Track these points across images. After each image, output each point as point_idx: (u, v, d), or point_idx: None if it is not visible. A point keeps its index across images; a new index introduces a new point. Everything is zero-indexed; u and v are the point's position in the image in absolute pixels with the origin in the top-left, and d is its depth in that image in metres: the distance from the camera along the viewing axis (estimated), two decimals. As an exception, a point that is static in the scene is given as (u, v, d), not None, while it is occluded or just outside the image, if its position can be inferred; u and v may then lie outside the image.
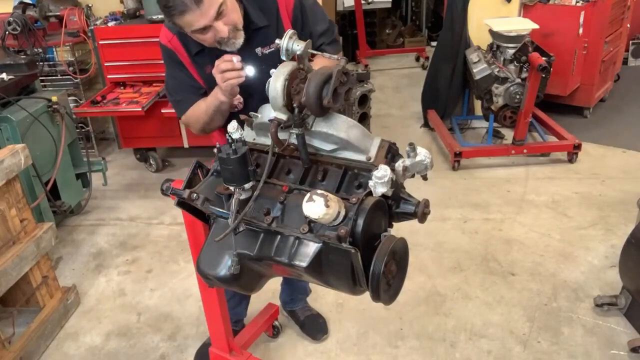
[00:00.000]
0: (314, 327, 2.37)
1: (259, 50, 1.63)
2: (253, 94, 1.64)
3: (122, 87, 3.68)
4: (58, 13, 3.67)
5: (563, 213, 3.19)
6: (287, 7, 1.65)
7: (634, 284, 2.25)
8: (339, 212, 1.18)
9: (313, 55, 1.42)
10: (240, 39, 1.56)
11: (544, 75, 3.43)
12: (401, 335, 2.28)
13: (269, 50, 1.63)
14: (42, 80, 3.67)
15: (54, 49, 3.84)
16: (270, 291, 2.58)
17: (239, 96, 1.65)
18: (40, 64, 3.51)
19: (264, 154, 1.42)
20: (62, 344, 2.41)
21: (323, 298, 2.56)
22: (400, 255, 1.28)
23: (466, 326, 2.37)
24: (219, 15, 1.47)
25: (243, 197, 1.29)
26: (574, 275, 2.65)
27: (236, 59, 1.50)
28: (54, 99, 2.90)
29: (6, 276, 2.13)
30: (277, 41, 1.36)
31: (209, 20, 1.46)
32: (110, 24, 3.60)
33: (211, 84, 1.61)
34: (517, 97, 3.63)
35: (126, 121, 3.79)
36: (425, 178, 1.44)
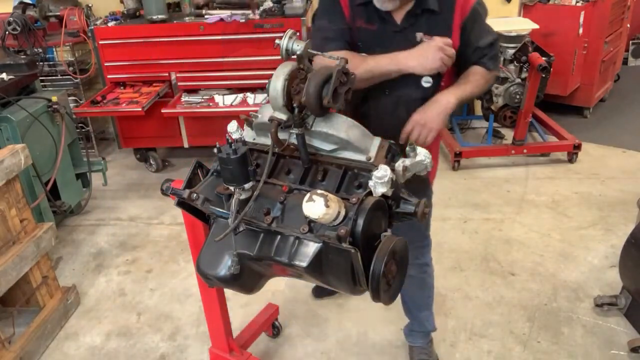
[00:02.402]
0: None
1: (419, 35, 1.55)
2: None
3: (122, 87, 3.68)
4: (58, 13, 3.67)
5: (563, 213, 3.19)
6: (465, 6, 1.58)
7: (634, 284, 2.25)
8: (339, 212, 1.18)
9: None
10: (392, 3, 1.52)
11: (544, 75, 3.43)
12: (401, 335, 2.28)
13: (429, 41, 1.54)
14: (42, 80, 3.66)
15: (54, 49, 3.84)
16: (270, 291, 2.58)
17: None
18: (40, 64, 3.51)
19: (264, 154, 1.42)
20: (62, 344, 2.41)
21: (323, 298, 2.56)
22: (400, 255, 1.28)
23: (466, 326, 2.37)
24: None
25: (243, 197, 1.29)
26: (574, 275, 2.65)
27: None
28: (54, 99, 2.90)
29: (6, 276, 2.13)
30: (277, 41, 1.36)
31: None
32: (110, 24, 3.59)
33: (357, 38, 1.58)
34: (517, 97, 3.62)
35: (126, 121, 3.79)
36: (425, 178, 1.44)
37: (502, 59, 3.71)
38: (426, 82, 1.60)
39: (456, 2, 1.57)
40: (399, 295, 2.09)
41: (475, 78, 1.64)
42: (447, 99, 1.56)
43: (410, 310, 2.15)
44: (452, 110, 1.56)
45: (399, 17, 1.57)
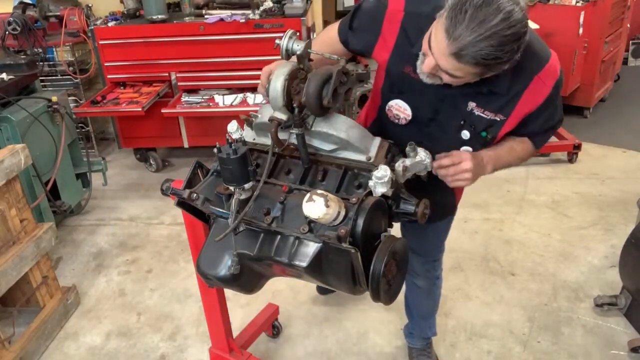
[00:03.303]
0: None
1: (471, 105, 1.39)
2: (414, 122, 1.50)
3: (122, 87, 3.68)
4: (58, 13, 3.66)
5: (563, 213, 3.19)
6: (537, 94, 1.35)
7: (634, 284, 2.25)
8: (339, 212, 1.18)
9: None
10: (431, 79, 1.32)
11: (544, 75, 3.42)
12: (401, 335, 2.28)
13: (481, 115, 1.38)
14: (42, 80, 3.66)
15: (54, 49, 3.84)
16: (270, 291, 2.58)
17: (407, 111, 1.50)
18: (40, 64, 3.51)
19: (264, 154, 1.42)
20: (62, 344, 2.41)
21: (323, 298, 2.56)
22: (400, 255, 1.28)
23: (466, 326, 2.37)
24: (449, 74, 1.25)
25: (243, 197, 1.29)
26: (574, 275, 2.65)
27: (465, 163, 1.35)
28: (54, 99, 2.90)
29: (6, 276, 2.13)
30: (277, 41, 1.36)
31: (440, 62, 1.22)
32: (110, 24, 3.59)
33: (396, 83, 1.45)
34: (517, 97, 3.62)
35: (126, 121, 3.79)
36: (425, 178, 1.44)
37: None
38: (465, 135, 1.45)
39: (527, 87, 1.34)
40: (402, 298, 2.11)
41: (518, 150, 1.48)
42: (488, 167, 1.41)
43: (413, 317, 2.14)
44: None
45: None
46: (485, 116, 1.39)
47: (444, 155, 1.37)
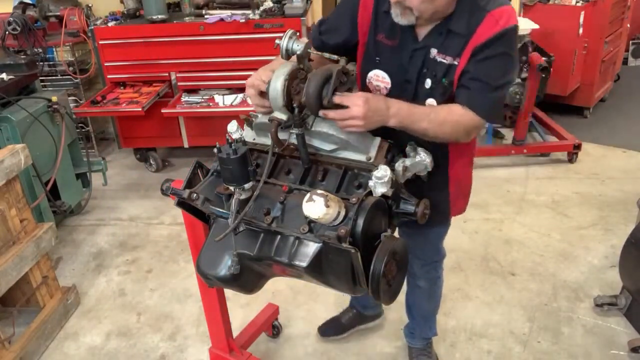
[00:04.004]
0: None
1: (434, 52, 1.43)
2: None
3: (122, 87, 3.68)
4: (58, 13, 3.66)
5: (563, 213, 3.19)
6: (487, 30, 1.37)
7: (634, 284, 2.25)
8: (339, 212, 1.19)
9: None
10: (405, 19, 1.39)
11: (544, 75, 3.43)
12: (401, 335, 2.28)
13: (441, 60, 1.42)
14: (42, 80, 3.66)
15: (54, 49, 3.84)
16: (270, 291, 2.58)
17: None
18: (40, 64, 3.51)
19: (264, 154, 1.42)
20: (62, 344, 2.41)
21: (323, 298, 2.56)
22: (400, 255, 1.28)
23: (466, 326, 2.37)
24: None
25: (243, 197, 1.29)
26: (574, 275, 2.65)
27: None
28: (54, 99, 2.90)
29: (6, 276, 2.13)
30: (277, 41, 1.36)
31: None
32: (110, 24, 3.59)
33: (375, 53, 1.48)
34: (517, 97, 3.62)
35: (126, 121, 3.78)
36: (425, 178, 1.45)
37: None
38: (427, 84, 1.47)
39: (480, 24, 1.37)
40: (403, 298, 2.10)
41: (442, 117, 1.40)
42: (392, 119, 1.36)
43: (414, 317, 2.14)
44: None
45: (420, 33, 1.45)
46: (445, 61, 1.42)
47: (339, 95, 1.31)
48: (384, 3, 1.47)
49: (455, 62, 1.41)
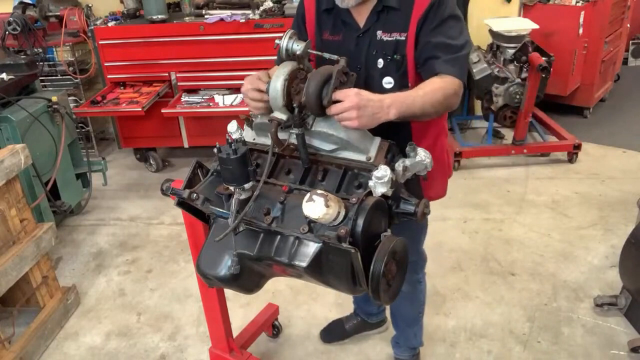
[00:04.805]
0: None
1: (379, 33, 1.49)
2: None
3: (122, 87, 3.68)
4: (58, 13, 3.67)
5: (563, 213, 3.19)
6: (423, 2, 1.43)
7: (634, 284, 2.25)
8: (339, 212, 1.18)
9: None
10: (350, 2, 1.46)
11: (543, 75, 3.43)
12: (401, 335, 2.28)
13: (388, 39, 1.48)
14: (42, 80, 3.67)
15: (54, 49, 3.84)
16: (270, 291, 2.58)
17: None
18: (40, 64, 3.51)
19: (264, 154, 1.42)
20: (62, 344, 2.41)
21: (323, 298, 2.56)
22: (400, 255, 1.28)
23: (466, 326, 2.37)
24: None
25: (243, 197, 1.29)
26: (574, 275, 2.65)
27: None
28: (54, 99, 2.90)
29: (6, 276, 2.13)
30: (276, 41, 1.36)
31: None
32: (110, 24, 3.60)
33: (324, 50, 1.46)
34: (517, 97, 3.63)
35: (126, 121, 3.79)
36: (425, 178, 1.44)
37: (502, 59, 3.71)
38: (388, 84, 1.50)
39: None
40: (388, 308, 2.07)
41: (429, 89, 1.39)
42: (390, 111, 1.32)
43: (398, 325, 2.11)
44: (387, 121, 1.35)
45: (362, 19, 1.51)
46: (392, 38, 1.47)
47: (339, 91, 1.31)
48: (323, 2, 1.55)
49: (402, 38, 1.46)
